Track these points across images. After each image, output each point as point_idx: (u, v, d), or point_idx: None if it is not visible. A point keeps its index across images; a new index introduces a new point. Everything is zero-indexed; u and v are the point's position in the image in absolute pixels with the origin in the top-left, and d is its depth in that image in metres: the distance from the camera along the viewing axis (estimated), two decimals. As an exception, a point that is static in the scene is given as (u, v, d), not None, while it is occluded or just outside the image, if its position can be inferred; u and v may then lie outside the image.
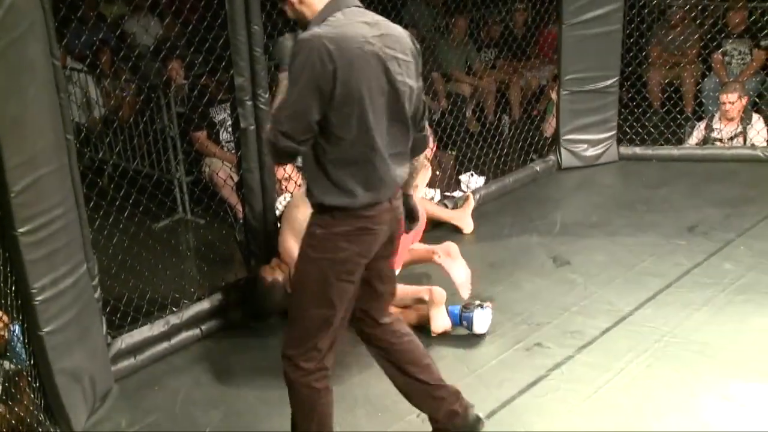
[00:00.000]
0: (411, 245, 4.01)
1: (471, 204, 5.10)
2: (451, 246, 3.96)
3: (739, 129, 5.93)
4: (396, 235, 2.69)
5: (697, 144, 6.06)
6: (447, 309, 3.79)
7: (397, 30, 2.57)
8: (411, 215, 2.85)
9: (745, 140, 5.92)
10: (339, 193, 2.49)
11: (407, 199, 2.81)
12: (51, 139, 3.02)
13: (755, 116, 6.00)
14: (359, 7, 2.53)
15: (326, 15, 2.45)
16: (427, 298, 3.80)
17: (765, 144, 5.89)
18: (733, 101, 5.82)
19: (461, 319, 3.78)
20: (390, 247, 2.70)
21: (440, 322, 3.77)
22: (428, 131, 2.80)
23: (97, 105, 6.41)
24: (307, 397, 2.70)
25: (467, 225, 5.01)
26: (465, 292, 3.86)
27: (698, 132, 6.10)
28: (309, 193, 2.57)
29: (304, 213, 3.08)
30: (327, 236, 2.54)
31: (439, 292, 3.78)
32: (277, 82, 2.58)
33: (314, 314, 2.61)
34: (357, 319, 2.82)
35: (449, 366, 3.60)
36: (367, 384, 3.47)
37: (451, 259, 3.91)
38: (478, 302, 3.80)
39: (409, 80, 2.54)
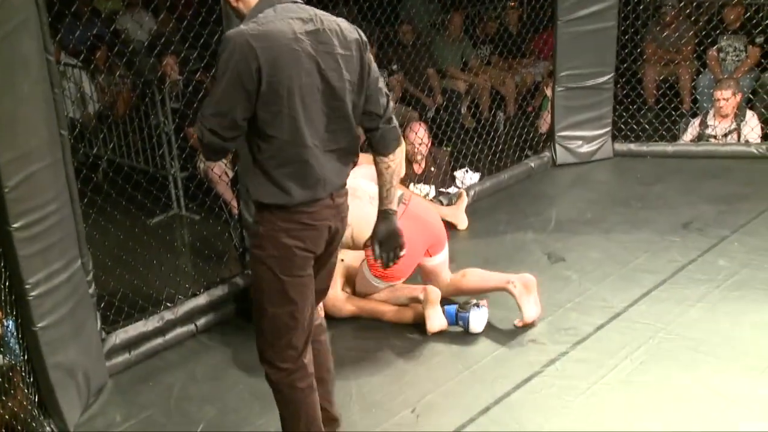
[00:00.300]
0: (435, 257, 3.87)
1: (464, 200, 5.11)
2: (529, 279, 3.78)
3: (733, 126, 5.94)
4: (339, 234, 2.66)
5: (691, 141, 6.07)
6: (443, 308, 3.79)
7: (337, 24, 2.52)
8: (395, 237, 2.80)
9: (739, 137, 5.93)
10: (275, 191, 2.46)
11: (390, 216, 2.78)
12: (45, 134, 3.02)
13: (749, 113, 6.01)
14: (296, 2, 2.49)
15: (258, 11, 2.43)
16: (422, 297, 3.80)
17: (759, 140, 5.90)
18: (728, 98, 5.83)
19: (457, 319, 3.78)
20: (331, 246, 2.66)
21: (436, 321, 3.77)
22: (396, 123, 2.72)
23: (92, 100, 6.40)
24: (292, 398, 2.68)
25: (461, 221, 5.01)
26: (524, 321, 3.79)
27: (692, 129, 6.11)
28: (248, 191, 2.56)
29: None
30: (269, 234, 2.52)
31: (434, 292, 3.77)
32: None
33: (276, 313, 2.59)
34: None
35: (444, 362, 3.61)
36: (361, 380, 3.47)
37: (527, 293, 3.77)
38: (474, 302, 3.80)
39: (350, 75, 2.50)
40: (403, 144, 2.76)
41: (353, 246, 3.71)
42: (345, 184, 2.64)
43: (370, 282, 3.84)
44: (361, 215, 3.61)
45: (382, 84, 2.65)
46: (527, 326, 3.76)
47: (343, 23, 2.54)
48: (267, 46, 2.34)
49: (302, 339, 2.63)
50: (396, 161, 2.72)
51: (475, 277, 3.90)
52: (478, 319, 3.76)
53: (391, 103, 2.69)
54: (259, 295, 2.61)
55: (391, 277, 3.75)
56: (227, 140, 2.43)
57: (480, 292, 3.90)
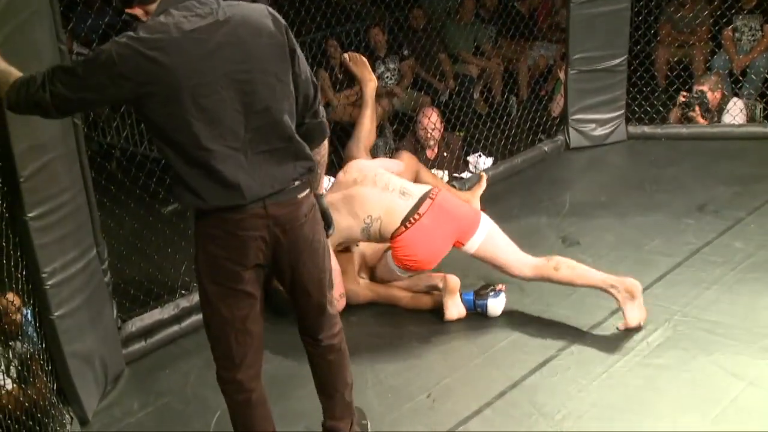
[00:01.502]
0: (469, 243, 3.73)
1: (482, 187, 5.00)
2: (635, 285, 3.56)
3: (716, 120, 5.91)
4: (289, 248, 2.47)
5: (674, 121, 6.01)
6: (461, 295, 3.79)
7: (249, 13, 2.36)
8: (324, 218, 2.67)
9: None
10: (188, 194, 2.35)
11: (318, 199, 2.63)
12: (58, 124, 3.02)
13: (732, 101, 5.92)
14: None
15: (158, 12, 2.32)
16: (441, 285, 3.80)
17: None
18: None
19: (475, 306, 3.78)
20: (297, 258, 2.49)
21: (454, 310, 3.77)
22: (324, 116, 2.59)
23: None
24: (229, 404, 2.65)
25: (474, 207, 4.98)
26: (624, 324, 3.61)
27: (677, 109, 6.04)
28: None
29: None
30: (198, 240, 2.44)
31: (454, 280, 3.77)
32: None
33: (210, 319, 2.53)
34: (301, 334, 2.74)
35: (460, 347, 3.62)
36: (377, 365, 3.48)
37: (632, 300, 3.55)
38: (491, 288, 3.80)
39: (264, 66, 2.34)
40: (326, 142, 2.65)
41: (380, 239, 3.73)
42: (296, 193, 2.44)
43: (394, 271, 3.85)
44: (390, 208, 3.65)
45: (309, 75, 2.49)
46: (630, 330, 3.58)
47: (256, 11, 2.38)
48: (153, 46, 2.23)
49: (240, 355, 2.54)
50: (321, 153, 2.61)
51: (569, 272, 3.67)
52: (496, 305, 3.76)
53: (320, 96, 2.56)
54: (199, 297, 2.55)
55: (416, 269, 3.76)
56: (53, 108, 2.31)
57: (574, 285, 3.75)
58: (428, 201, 3.67)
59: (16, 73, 2.39)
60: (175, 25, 2.26)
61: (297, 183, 2.45)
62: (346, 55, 4.43)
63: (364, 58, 4.38)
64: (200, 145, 2.29)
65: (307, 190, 2.50)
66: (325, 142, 2.63)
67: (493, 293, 3.77)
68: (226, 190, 2.33)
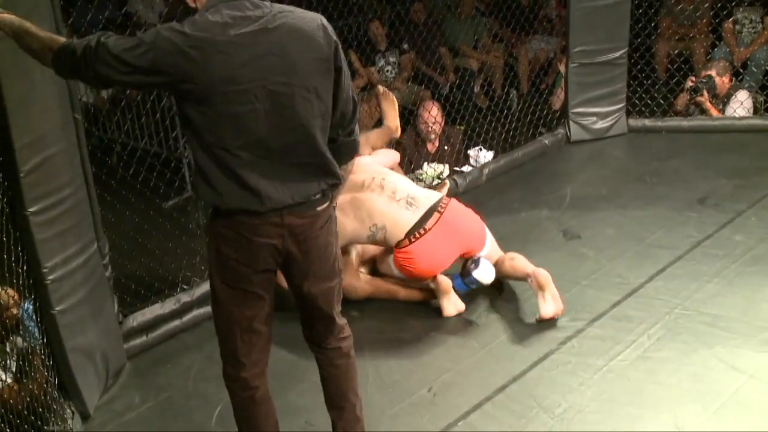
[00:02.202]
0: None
1: (444, 192, 4.82)
2: (541, 273, 3.65)
3: (720, 106, 5.89)
4: (302, 259, 2.43)
5: (680, 107, 6.01)
6: (453, 285, 3.79)
7: (300, 24, 2.30)
8: None
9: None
10: (208, 188, 2.32)
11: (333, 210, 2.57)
12: (59, 118, 3.03)
13: (740, 92, 5.91)
14: None
15: (204, 9, 2.27)
16: (433, 286, 3.81)
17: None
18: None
19: (468, 285, 3.78)
20: (308, 268, 2.46)
21: (451, 308, 3.78)
22: (358, 134, 2.54)
23: (105, 84, 6.39)
24: (233, 400, 2.65)
25: None
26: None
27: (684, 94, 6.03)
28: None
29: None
30: (212, 239, 2.43)
31: (445, 281, 3.76)
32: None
33: (218, 317, 2.54)
34: (306, 340, 2.70)
35: (460, 342, 3.62)
36: (378, 360, 3.49)
37: (541, 290, 3.63)
38: (469, 261, 3.77)
39: (306, 80, 2.29)
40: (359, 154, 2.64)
41: (385, 245, 3.77)
42: (316, 206, 2.41)
43: (393, 272, 3.86)
44: (396, 220, 3.65)
45: (351, 93, 2.45)
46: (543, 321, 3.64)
47: (309, 22, 2.33)
48: (201, 46, 2.18)
49: (244, 354, 2.53)
50: (348, 170, 2.58)
51: (510, 264, 3.81)
52: (483, 272, 3.73)
53: (357, 114, 2.50)
54: (211, 295, 2.55)
55: (417, 276, 3.76)
56: (97, 82, 2.31)
57: (514, 279, 3.87)
58: (436, 215, 3.67)
59: (58, 38, 2.36)
60: (221, 25, 2.21)
61: (318, 196, 2.41)
62: (380, 88, 4.45)
63: (395, 100, 4.40)
64: (227, 148, 2.27)
65: (327, 203, 2.46)
66: (354, 159, 2.60)
67: (473, 265, 3.74)
68: (246, 194, 2.30)
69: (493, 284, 3.86)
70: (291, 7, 2.35)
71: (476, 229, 3.79)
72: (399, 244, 3.66)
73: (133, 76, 2.24)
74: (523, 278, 3.76)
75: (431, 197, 3.77)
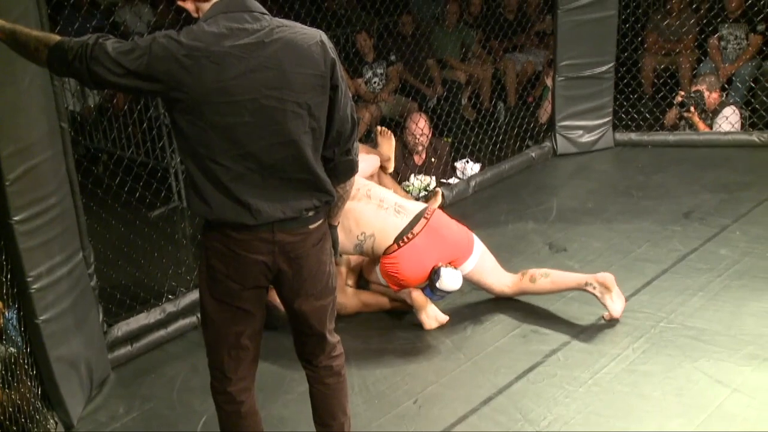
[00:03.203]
0: (461, 267, 3.75)
1: (438, 201, 4.67)
2: (607, 277, 3.68)
3: (709, 121, 5.94)
4: (302, 275, 2.42)
5: (669, 122, 6.04)
6: (425, 294, 3.75)
7: (298, 39, 2.28)
8: (333, 247, 2.57)
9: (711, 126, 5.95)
10: (197, 201, 2.31)
11: (332, 230, 2.56)
12: (45, 127, 3.01)
13: (727, 109, 5.95)
14: (252, 11, 2.28)
15: (207, 17, 2.25)
16: (408, 302, 3.81)
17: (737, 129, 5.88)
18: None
19: (437, 294, 3.70)
20: (300, 287, 2.44)
21: (432, 322, 3.79)
22: (356, 153, 2.49)
23: (92, 93, 6.39)
24: (220, 415, 2.64)
25: None
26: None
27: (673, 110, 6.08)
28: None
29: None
30: (205, 249, 2.42)
31: (420, 297, 3.76)
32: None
33: (206, 330, 2.52)
34: (297, 355, 2.67)
35: (446, 354, 3.62)
36: (364, 371, 3.48)
37: (609, 292, 3.68)
38: (433, 272, 3.67)
39: (299, 96, 2.27)
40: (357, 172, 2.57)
41: (372, 255, 3.75)
42: (308, 223, 2.38)
43: (380, 281, 3.86)
44: (384, 226, 3.65)
45: (350, 109, 2.41)
46: (613, 320, 3.69)
47: (307, 38, 2.30)
48: (188, 53, 2.17)
49: (231, 369, 2.52)
50: (346, 189, 2.53)
51: (546, 281, 3.80)
52: (446, 281, 3.64)
53: (356, 132, 2.46)
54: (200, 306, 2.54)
55: (402, 286, 3.75)
56: (92, 82, 2.24)
57: (555, 293, 3.87)
58: (423, 221, 3.67)
59: (53, 36, 2.32)
60: (217, 36, 2.20)
61: (311, 213, 2.39)
62: (379, 127, 4.52)
63: (393, 140, 4.50)
64: (217, 160, 2.25)
65: (321, 221, 2.43)
66: (353, 178, 2.54)
67: (435, 276, 3.64)
68: (236, 207, 2.29)
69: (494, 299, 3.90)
70: (292, 22, 2.34)
71: (460, 239, 3.78)
72: (387, 251, 3.65)
73: (126, 79, 2.22)
74: (577, 289, 3.77)
75: (418, 206, 3.78)
